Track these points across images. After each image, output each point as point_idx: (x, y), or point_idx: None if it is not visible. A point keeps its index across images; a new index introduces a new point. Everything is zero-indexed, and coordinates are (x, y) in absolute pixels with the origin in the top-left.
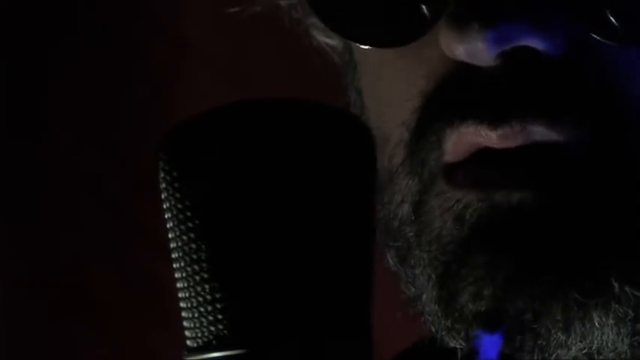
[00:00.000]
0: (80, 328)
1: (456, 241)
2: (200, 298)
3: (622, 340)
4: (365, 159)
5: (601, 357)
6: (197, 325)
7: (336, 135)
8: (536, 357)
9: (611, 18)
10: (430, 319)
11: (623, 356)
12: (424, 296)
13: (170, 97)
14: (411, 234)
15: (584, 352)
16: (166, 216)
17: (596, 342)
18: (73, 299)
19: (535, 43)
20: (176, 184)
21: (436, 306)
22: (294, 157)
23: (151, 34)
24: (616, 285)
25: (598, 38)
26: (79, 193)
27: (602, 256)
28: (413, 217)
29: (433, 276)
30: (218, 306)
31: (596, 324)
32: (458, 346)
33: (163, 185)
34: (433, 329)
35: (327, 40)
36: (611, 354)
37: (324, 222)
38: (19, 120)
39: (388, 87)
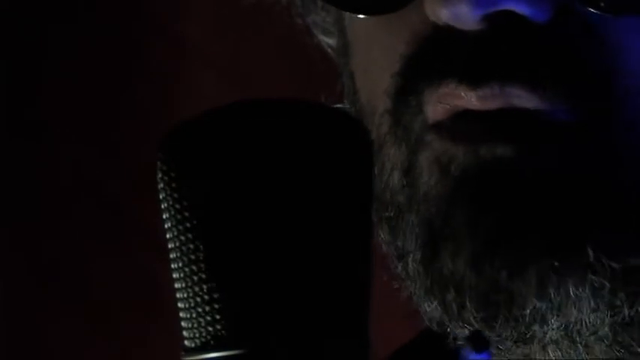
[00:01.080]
0: (80, 328)
1: (441, 196)
2: (198, 298)
3: (602, 320)
4: (364, 159)
5: (582, 340)
6: (195, 325)
7: (336, 135)
8: (513, 332)
9: None
10: (411, 283)
11: (605, 341)
12: (409, 259)
13: (170, 97)
14: (402, 199)
15: (562, 330)
16: (164, 216)
17: (573, 317)
18: (73, 299)
19: (521, 9)
20: (174, 184)
21: (419, 265)
22: (293, 157)
23: (151, 34)
24: (591, 254)
25: (586, 7)
26: (79, 193)
27: (579, 224)
28: (404, 182)
29: (420, 233)
30: (216, 306)
31: (572, 294)
32: (433, 310)
33: (161, 185)
34: (412, 293)
35: (326, 38)
36: (592, 337)
37: (322, 222)
38: (19, 120)
39: (375, 60)
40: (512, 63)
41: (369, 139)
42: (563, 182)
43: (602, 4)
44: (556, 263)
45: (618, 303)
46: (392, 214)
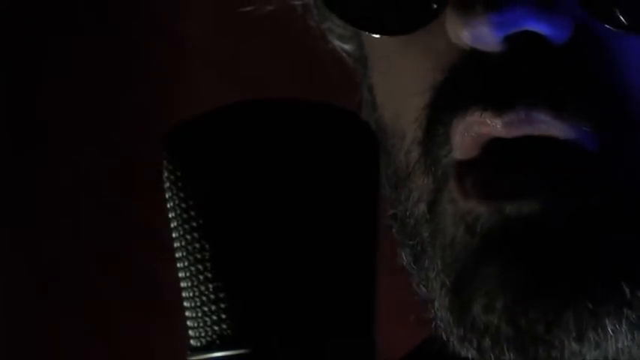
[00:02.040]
0: (80, 328)
1: (468, 250)
2: (204, 298)
3: (637, 346)
4: (367, 157)
5: None
6: (200, 324)
7: (338, 134)
8: None
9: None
10: (442, 325)
11: None
12: (436, 302)
13: (170, 97)
14: (426, 234)
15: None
16: (170, 215)
17: (610, 350)
18: (73, 299)
19: (541, 29)
20: (180, 184)
21: (448, 314)
22: (296, 156)
23: (151, 34)
24: (627, 290)
25: (603, 25)
26: (79, 193)
27: (611, 262)
28: (428, 217)
29: (447, 282)
30: (222, 305)
31: (610, 331)
32: (470, 356)
33: (167, 185)
34: (444, 336)
35: (342, 44)
36: None
37: (327, 222)
38: (19, 120)
39: (398, 80)
40: (535, 85)
41: (373, 138)
42: (591, 224)
43: (621, 22)
44: (593, 306)
45: None
46: (415, 244)
